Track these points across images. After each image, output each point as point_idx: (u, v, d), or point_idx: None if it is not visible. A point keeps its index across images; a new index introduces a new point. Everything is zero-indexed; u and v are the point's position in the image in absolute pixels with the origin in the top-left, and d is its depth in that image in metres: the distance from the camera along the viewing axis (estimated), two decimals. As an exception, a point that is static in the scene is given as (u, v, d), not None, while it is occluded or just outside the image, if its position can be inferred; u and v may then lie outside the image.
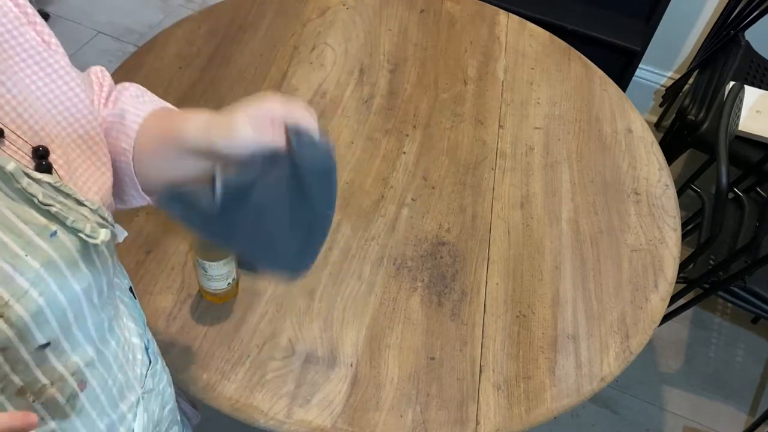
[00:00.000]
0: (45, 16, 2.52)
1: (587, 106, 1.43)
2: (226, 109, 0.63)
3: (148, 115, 0.68)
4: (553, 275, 1.14)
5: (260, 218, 0.64)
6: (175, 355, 0.96)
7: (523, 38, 1.56)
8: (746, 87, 1.84)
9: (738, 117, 1.74)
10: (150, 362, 0.74)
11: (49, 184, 0.51)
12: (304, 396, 0.95)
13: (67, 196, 0.53)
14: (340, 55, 1.44)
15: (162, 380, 0.78)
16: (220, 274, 0.96)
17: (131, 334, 0.70)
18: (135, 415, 0.69)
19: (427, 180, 1.24)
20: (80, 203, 0.54)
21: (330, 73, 1.40)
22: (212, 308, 1.02)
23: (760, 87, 2.00)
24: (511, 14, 1.62)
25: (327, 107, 1.33)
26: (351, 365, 0.99)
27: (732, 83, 1.65)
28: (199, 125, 0.63)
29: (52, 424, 0.57)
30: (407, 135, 1.31)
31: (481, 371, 1.01)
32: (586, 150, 1.35)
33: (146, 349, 0.74)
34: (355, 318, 1.04)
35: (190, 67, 1.36)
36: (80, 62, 2.41)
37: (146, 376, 0.72)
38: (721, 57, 2.05)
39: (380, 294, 1.07)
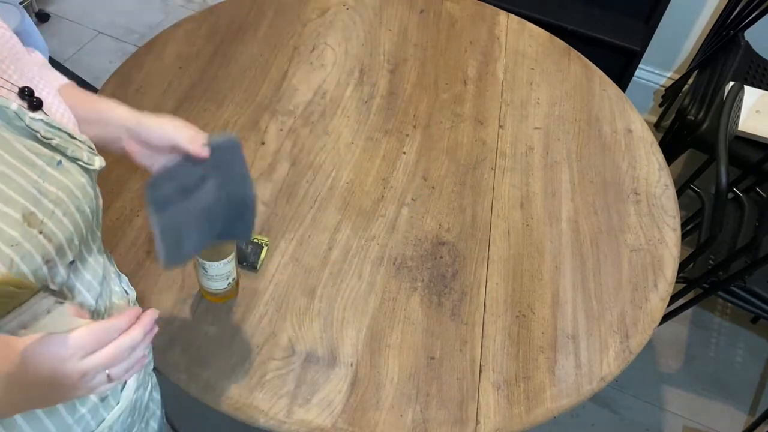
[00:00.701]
0: (45, 16, 2.53)
1: (587, 106, 1.44)
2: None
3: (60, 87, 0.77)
4: (553, 275, 1.14)
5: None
6: (175, 355, 0.97)
7: (522, 38, 1.56)
8: (746, 87, 1.84)
9: (738, 117, 1.74)
10: (128, 293, 0.82)
11: (43, 120, 0.59)
12: (304, 396, 0.95)
13: (59, 130, 0.60)
14: (340, 55, 1.45)
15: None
16: (220, 274, 0.96)
17: (108, 265, 0.76)
18: None
19: (427, 180, 1.25)
20: (71, 136, 0.61)
21: (330, 74, 1.40)
22: (212, 308, 1.02)
23: (759, 87, 2.00)
24: (510, 14, 1.62)
25: (327, 107, 1.34)
26: (351, 365, 0.99)
27: (732, 83, 1.65)
28: (127, 111, 0.77)
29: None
30: (407, 135, 1.32)
31: (481, 371, 1.01)
32: (586, 150, 1.35)
33: (121, 281, 0.82)
34: (355, 318, 1.04)
35: (190, 68, 1.36)
36: (81, 62, 2.41)
37: (130, 305, 0.80)
38: (721, 57, 2.05)
39: (380, 294, 1.07)
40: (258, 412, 0.93)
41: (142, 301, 1.02)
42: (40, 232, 0.55)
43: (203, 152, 0.76)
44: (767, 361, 1.98)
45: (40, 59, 0.79)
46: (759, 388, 1.92)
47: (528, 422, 0.97)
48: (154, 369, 0.95)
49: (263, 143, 1.25)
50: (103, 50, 2.48)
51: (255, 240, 1.08)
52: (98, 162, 0.63)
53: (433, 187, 1.23)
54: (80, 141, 0.63)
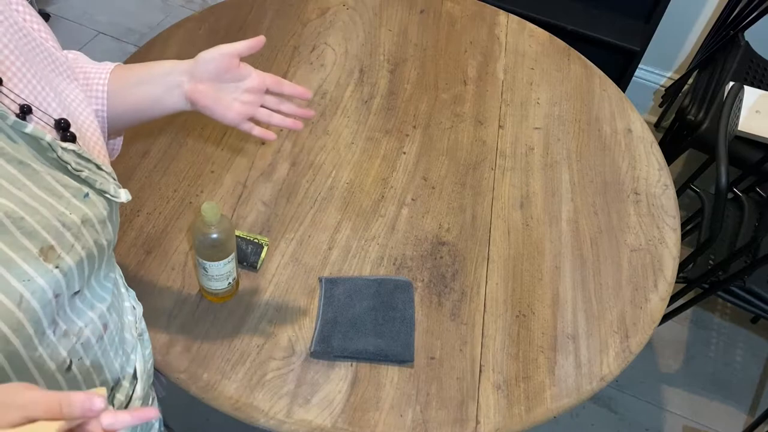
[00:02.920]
0: (45, 16, 2.52)
1: (587, 106, 1.44)
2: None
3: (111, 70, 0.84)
4: (553, 275, 1.14)
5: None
6: (175, 355, 0.97)
7: (522, 38, 1.56)
8: (746, 87, 1.84)
9: (737, 117, 1.74)
10: (135, 308, 0.79)
11: (74, 152, 0.60)
12: (304, 396, 0.95)
13: (89, 161, 0.62)
14: (340, 55, 1.45)
15: (145, 331, 0.82)
16: (221, 274, 0.96)
17: (119, 283, 0.76)
18: (135, 357, 0.76)
19: (427, 180, 1.25)
20: (99, 168, 0.63)
21: (330, 74, 1.40)
22: (212, 308, 1.02)
23: (759, 87, 2.00)
24: (511, 14, 1.62)
25: (327, 107, 1.34)
26: (351, 365, 0.99)
27: (731, 83, 1.65)
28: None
29: (87, 363, 0.64)
30: (407, 135, 1.32)
31: (481, 371, 1.01)
32: (585, 150, 1.35)
33: (129, 296, 0.80)
34: (355, 318, 1.04)
35: (190, 68, 1.36)
36: (80, 62, 2.40)
37: (137, 321, 0.78)
38: (721, 57, 2.05)
39: (380, 294, 1.07)
40: (258, 412, 0.93)
41: (143, 302, 1.02)
42: (56, 267, 0.55)
43: (260, 43, 0.84)
44: (767, 361, 1.98)
45: (80, 60, 0.83)
46: (759, 388, 1.92)
47: (528, 422, 0.97)
48: (156, 371, 0.95)
49: (263, 143, 1.25)
50: (103, 50, 2.48)
51: (255, 240, 1.08)
52: (123, 195, 0.64)
53: (433, 187, 1.23)
54: (107, 173, 0.64)
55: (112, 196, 0.63)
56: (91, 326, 0.63)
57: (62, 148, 0.58)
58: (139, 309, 0.81)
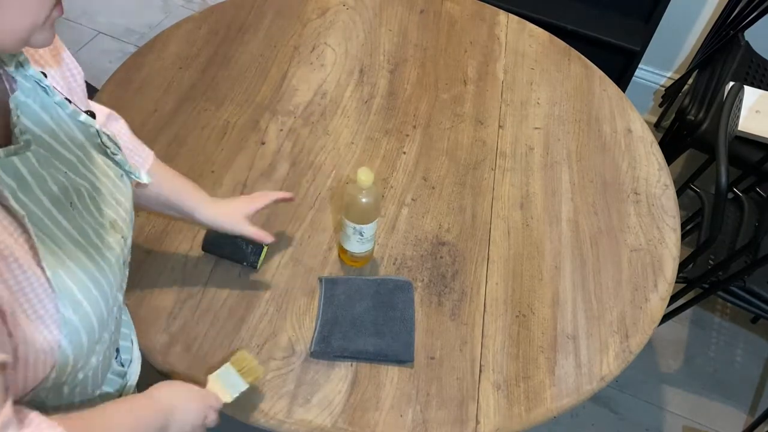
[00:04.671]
0: (45, 16, 2.52)
1: (587, 106, 1.44)
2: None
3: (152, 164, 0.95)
4: (553, 275, 1.14)
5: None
6: (175, 355, 0.97)
7: (523, 38, 1.56)
8: (746, 87, 1.84)
9: (737, 117, 1.74)
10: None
11: (109, 137, 0.68)
12: (305, 396, 0.95)
13: (117, 146, 0.69)
14: (341, 55, 1.45)
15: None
16: (372, 234, 1.04)
17: None
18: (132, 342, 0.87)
19: (427, 180, 1.25)
20: (122, 151, 0.71)
21: (330, 74, 1.40)
22: (212, 308, 1.02)
23: (759, 87, 2.00)
24: (511, 14, 1.62)
25: (327, 107, 1.34)
26: (351, 365, 0.99)
27: (731, 83, 1.65)
28: (209, 213, 0.97)
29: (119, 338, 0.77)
30: (407, 135, 1.32)
31: (480, 371, 1.01)
32: (585, 150, 1.35)
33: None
34: (355, 318, 1.04)
35: (190, 68, 1.36)
36: (81, 62, 2.40)
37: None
38: (721, 57, 2.05)
39: (380, 294, 1.07)
40: (258, 412, 0.93)
41: (143, 301, 1.02)
42: (122, 237, 0.66)
43: (268, 239, 1.01)
44: (767, 361, 1.98)
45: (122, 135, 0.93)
46: (759, 388, 1.92)
47: (528, 422, 0.97)
48: (159, 373, 0.95)
49: (263, 143, 1.25)
50: (103, 50, 2.48)
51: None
52: (146, 177, 0.73)
53: (433, 187, 1.23)
54: (125, 158, 0.72)
55: (138, 177, 0.72)
56: (123, 299, 0.75)
57: (105, 135, 0.66)
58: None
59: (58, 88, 0.64)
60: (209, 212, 0.97)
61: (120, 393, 0.79)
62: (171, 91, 1.31)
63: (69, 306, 0.57)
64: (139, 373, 0.86)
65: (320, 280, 1.07)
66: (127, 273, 0.71)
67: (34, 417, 0.55)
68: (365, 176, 0.94)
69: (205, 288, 1.05)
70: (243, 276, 1.07)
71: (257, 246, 1.07)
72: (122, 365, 0.80)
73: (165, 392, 0.75)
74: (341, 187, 1.21)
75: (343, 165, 1.24)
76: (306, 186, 1.20)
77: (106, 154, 0.67)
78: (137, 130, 1.24)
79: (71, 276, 0.58)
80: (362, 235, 1.02)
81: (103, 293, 0.61)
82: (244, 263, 1.07)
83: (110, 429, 0.65)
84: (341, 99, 1.36)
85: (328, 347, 0.98)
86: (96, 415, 0.65)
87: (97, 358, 0.67)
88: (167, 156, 1.20)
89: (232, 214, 0.99)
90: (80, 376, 0.65)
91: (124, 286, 0.72)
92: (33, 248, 0.55)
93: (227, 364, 0.89)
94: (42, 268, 0.55)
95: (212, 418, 0.80)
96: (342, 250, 1.08)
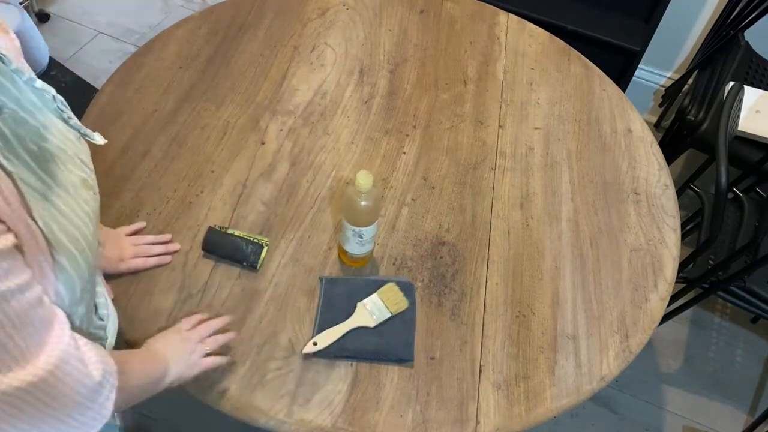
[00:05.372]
0: (46, 16, 2.52)
1: (587, 106, 1.44)
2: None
3: None
4: (553, 275, 1.14)
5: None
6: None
7: (523, 38, 1.56)
8: (746, 87, 1.84)
9: (737, 117, 1.74)
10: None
11: (63, 102, 0.70)
12: (305, 396, 0.95)
13: (71, 110, 0.71)
14: (340, 55, 1.45)
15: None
16: (372, 236, 1.04)
17: None
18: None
19: (427, 180, 1.25)
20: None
21: (330, 74, 1.40)
22: (212, 308, 1.02)
23: (759, 87, 2.00)
24: (511, 14, 1.62)
25: (327, 107, 1.34)
26: (351, 365, 0.99)
27: (731, 83, 1.65)
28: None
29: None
30: (407, 135, 1.32)
31: (481, 371, 1.01)
32: (585, 150, 1.35)
33: None
34: (355, 318, 1.04)
35: (190, 68, 1.36)
36: (81, 62, 2.41)
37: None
38: (721, 57, 2.05)
39: (380, 294, 1.07)
40: (258, 412, 0.93)
41: (143, 301, 1.02)
42: (95, 193, 0.70)
43: (167, 260, 1.07)
44: (767, 361, 1.98)
45: None
46: (759, 388, 1.92)
47: (528, 422, 0.97)
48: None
49: (263, 143, 1.25)
50: (103, 50, 2.48)
51: (255, 240, 1.08)
52: (99, 138, 0.74)
53: (433, 187, 1.23)
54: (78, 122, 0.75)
55: (93, 139, 0.73)
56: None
57: (60, 99, 0.69)
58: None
59: (10, 56, 0.66)
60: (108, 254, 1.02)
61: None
62: (171, 91, 1.31)
63: (63, 255, 0.62)
64: (115, 334, 0.90)
65: (320, 280, 1.07)
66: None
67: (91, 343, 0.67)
68: (364, 180, 0.94)
69: (205, 288, 1.05)
70: (243, 276, 1.07)
71: (257, 246, 1.07)
72: (101, 319, 0.85)
73: (161, 345, 0.89)
74: (341, 187, 1.21)
75: (343, 165, 1.24)
76: (306, 186, 1.20)
77: (62, 119, 0.70)
78: (137, 130, 1.24)
79: (60, 227, 0.63)
80: (362, 238, 1.02)
81: (89, 242, 0.67)
82: (244, 263, 1.07)
83: (128, 360, 0.79)
84: (341, 99, 1.36)
85: (328, 347, 0.98)
86: (115, 352, 0.77)
87: (83, 307, 0.73)
88: (167, 156, 1.21)
89: (110, 258, 1.02)
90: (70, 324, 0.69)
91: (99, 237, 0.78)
92: (25, 204, 0.59)
93: (375, 294, 1.04)
94: (35, 221, 0.59)
95: (200, 351, 0.91)
96: (342, 251, 1.08)
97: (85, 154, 0.73)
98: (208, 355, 0.92)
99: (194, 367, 0.90)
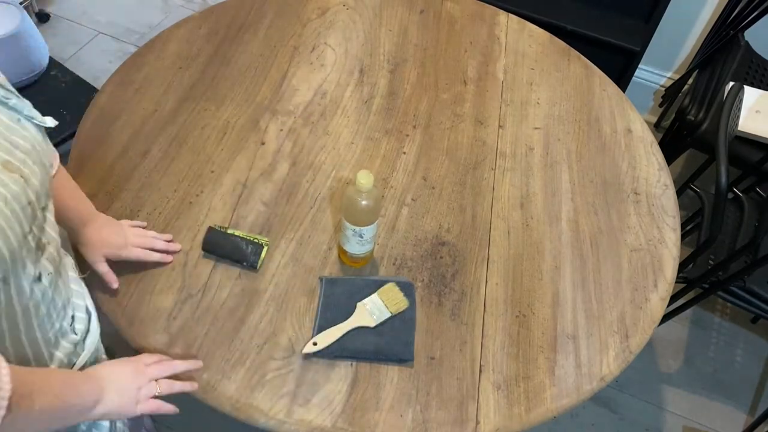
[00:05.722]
0: (45, 16, 2.52)
1: (587, 106, 1.44)
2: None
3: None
4: (553, 275, 1.14)
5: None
6: (176, 355, 0.97)
7: (522, 38, 1.56)
8: (746, 87, 1.84)
9: (737, 117, 1.74)
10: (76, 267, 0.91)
11: (1, 85, 0.67)
12: (305, 396, 0.95)
13: (10, 92, 0.68)
14: (341, 55, 1.45)
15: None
16: (372, 236, 1.04)
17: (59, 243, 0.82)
18: (84, 295, 0.89)
19: (427, 180, 1.25)
20: (21, 98, 0.70)
21: (330, 74, 1.40)
22: (212, 308, 1.02)
23: (759, 87, 2.00)
24: (511, 14, 1.62)
25: (327, 107, 1.34)
26: (351, 365, 0.99)
27: (731, 83, 1.65)
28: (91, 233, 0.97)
29: (52, 279, 0.75)
30: (407, 135, 1.32)
31: (480, 371, 1.01)
32: (585, 150, 1.35)
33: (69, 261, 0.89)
34: (355, 318, 1.04)
35: (190, 68, 1.36)
36: (81, 62, 2.41)
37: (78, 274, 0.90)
38: (721, 57, 2.05)
39: (380, 294, 1.07)
40: (258, 412, 0.93)
41: (143, 301, 1.02)
42: (21, 176, 0.65)
43: (114, 284, 1.01)
44: (767, 361, 1.98)
45: None
46: (759, 388, 1.92)
47: (528, 422, 0.97)
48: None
49: (263, 143, 1.25)
50: (103, 50, 2.48)
51: (255, 240, 1.08)
52: (50, 121, 0.71)
53: (433, 187, 1.23)
54: (28, 102, 0.71)
55: (40, 122, 0.70)
56: (53, 245, 0.75)
57: None
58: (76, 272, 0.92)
59: None
60: (88, 238, 0.97)
61: (72, 364, 0.83)
62: (171, 91, 1.31)
63: None
64: (97, 349, 0.89)
65: (320, 280, 1.07)
66: (48, 217, 0.73)
67: None
68: (365, 179, 0.94)
69: (205, 288, 1.05)
70: (243, 276, 1.07)
71: (257, 246, 1.07)
72: (75, 333, 0.83)
73: (107, 371, 0.82)
74: (341, 187, 1.21)
75: (343, 165, 1.24)
76: (306, 186, 1.20)
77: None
78: (137, 130, 1.24)
79: None
80: (362, 237, 1.02)
81: (9, 222, 0.62)
82: (244, 263, 1.07)
83: (46, 381, 0.71)
84: (341, 99, 1.36)
85: (328, 347, 0.98)
86: (36, 370, 0.72)
87: (29, 285, 0.69)
88: (167, 155, 1.21)
89: (102, 244, 0.99)
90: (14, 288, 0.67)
91: (49, 232, 0.73)
92: None
93: (375, 294, 1.03)
94: None
95: (150, 390, 0.85)
96: (342, 251, 1.08)
97: (22, 137, 0.67)
98: (158, 397, 0.86)
99: (139, 404, 0.84)
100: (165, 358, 0.91)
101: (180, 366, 0.91)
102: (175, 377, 0.90)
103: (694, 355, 1.96)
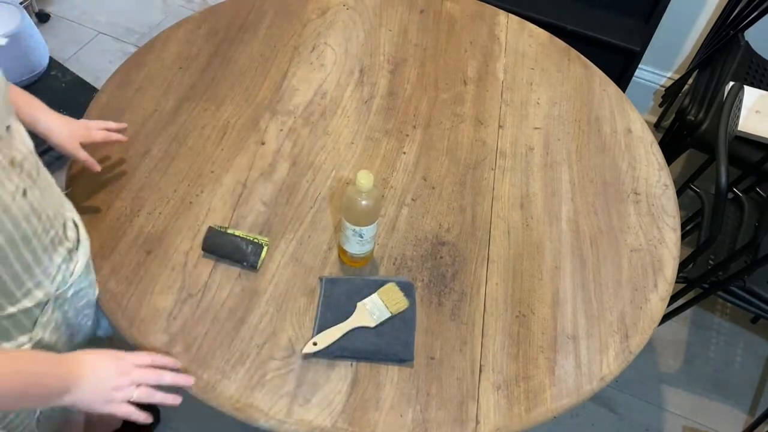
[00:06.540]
0: (45, 16, 2.52)
1: (587, 106, 1.44)
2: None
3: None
4: (553, 275, 1.14)
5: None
6: (175, 355, 0.97)
7: (522, 38, 1.56)
8: (746, 87, 1.84)
9: (737, 117, 1.74)
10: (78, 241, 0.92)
11: None
12: (304, 396, 0.95)
13: None
14: (341, 55, 1.45)
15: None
16: (372, 235, 1.04)
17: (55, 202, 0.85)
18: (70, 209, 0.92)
19: (427, 180, 1.25)
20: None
21: (330, 74, 1.40)
22: (212, 308, 1.02)
23: (759, 87, 2.00)
24: (510, 14, 1.62)
25: (327, 107, 1.34)
26: (351, 365, 0.99)
27: (731, 83, 1.65)
28: (53, 126, 1.01)
29: (36, 193, 0.78)
30: (407, 135, 1.32)
31: (480, 371, 1.01)
32: (585, 150, 1.35)
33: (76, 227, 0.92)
34: (355, 318, 1.04)
35: (190, 68, 1.36)
36: (81, 62, 2.41)
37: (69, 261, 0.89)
38: (721, 57, 2.05)
39: (380, 294, 1.07)
40: (258, 412, 0.93)
41: (143, 301, 1.02)
42: None
43: (96, 167, 1.07)
44: (767, 361, 1.99)
45: None
46: (759, 388, 1.92)
47: (528, 422, 0.97)
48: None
49: (263, 143, 1.25)
50: (103, 50, 2.48)
51: (255, 240, 1.08)
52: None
53: (433, 187, 1.23)
54: None
55: None
56: (29, 160, 0.77)
57: None
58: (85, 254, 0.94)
59: None
60: (54, 125, 1.02)
61: (71, 272, 0.88)
62: (171, 91, 1.31)
63: None
64: (88, 265, 0.94)
65: (320, 280, 1.07)
66: (14, 135, 0.75)
67: None
68: (365, 179, 0.94)
69: (205, 288, 1.05)
70: (243, 276, 1.07)
71: (257, 246, 1.08)
72: (68, 240, 0.87)
73: (90, 360, 0.81)
74: (341, 187, 1.21)
75: (343, 165, 1.24)
76: (306, 186, 1.20)
77: None
78: (137, 130, 1.24)
79: None
80: (362, 237, 1.02)
81: None
82: (244, 263, 1.07)
83: (7, 364, 0.70)
84: (341, 99, 1.36)
85: (328, 347, 0.98)
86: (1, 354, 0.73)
87: (12, 201, 0.72)
88: (167, 156, 1.21)
89: (73, 136, 1.04)
90: None
91: (25, 150, 0.77)
92: None
93: (374, 294, 1.04)
94: None
95: (126, 394, 0.83)
96: (342, 251, 1.08)
97: None
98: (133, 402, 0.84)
99: (110, 404, 0.81)
100: (157, 361, 0.89)
101: (168, 378, 0.88)
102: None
103: (694, 355, 1.96)
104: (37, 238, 0.78)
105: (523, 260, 1.15)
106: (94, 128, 1.09)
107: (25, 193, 0.74)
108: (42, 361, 0.76)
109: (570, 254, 1.17)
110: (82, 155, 1.05)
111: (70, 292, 0.89)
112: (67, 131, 1.03)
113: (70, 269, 0.88)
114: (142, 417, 0.85)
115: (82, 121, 1.09)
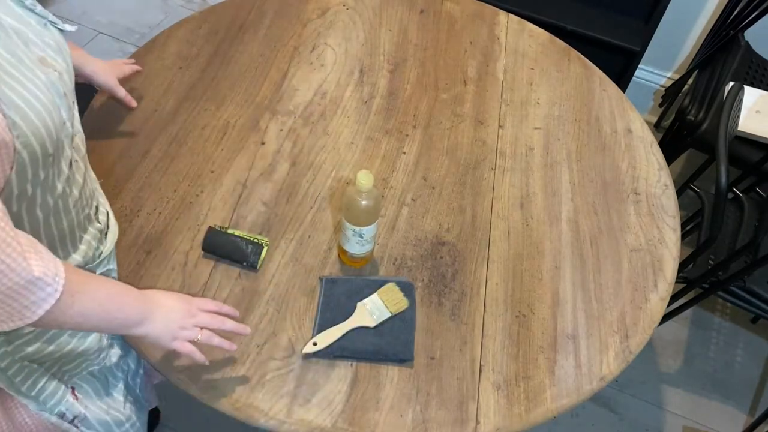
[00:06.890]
0: (45, 16, 2.52)
1: (587, 106, 1.44)
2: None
3: None
4: (553, 275, 1.14)
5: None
6: (175, 355, 0.97)
7: (522, 38, 1.56)
8: (746, 87, 1.84)
9: (737, 117, 1.74)
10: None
11: None
12: (304, 396, 0.95)
13: (35, 1, 0.75)
14: (341, 55, 1.45)
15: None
16: (372, 236, 1.04)
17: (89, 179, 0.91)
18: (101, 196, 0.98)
19: (427, 180, 1.25)
20: (43, 8, 0.76)
21: (330, 74, 1.40)
22: (212, 308, 1.02)
23: (759, 87, 2.00)
24: (510, 14, 1.62)
25: (327, 107, 1.34)
26: (351, 365, 0.99)
27: (731, 83, 1.65)
28: (96, 68, 1.17)
29: (81, 165, 0.84)
30: (407, 135, 1.32)
31: (480, 371, 1.01)
32: (585, 150, 1.35)
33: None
34: (355, 318, 1.04)
35: (190, 68, 1.36)
36: (80, 62, 2.40)
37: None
38: (721, 57, 2.05)
39: (380, 294, 1.07)
40: (258, 412, 0.93)
41: (142, 301, 1.02)
42: (55, 70, 0.71)
43: (133, 103, 1.23)
44: (767, 361, 1.98)
45: None
46: (759, 388, 1.92)
47: (528, 422, 0.97)
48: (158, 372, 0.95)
49: (263, 143, 1.25)
50: (103, 50, 2.48)
51: (255, 240, 1.08)
52: (69, 26, 0.78)
53: (433, 187, 1.23)
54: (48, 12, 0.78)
55: (62, 27, 0.77)
56: (79, 137, 0.83)
57: None
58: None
59: None
60: (97, 67, 1.17)
61: (100, 253, 0.92)
62: (171, 91, 1.31)
63: (14, 112, 0.64)
64: (114, 244, 0.97)
65: (320, 280, 1.07)
66: (75, 113, 0.81)
67: (42, 248, 0.69)
68: (365, 179, 0.94)
69: (205, 288, 1.05)
70: (243, 276, 1.07)
71: (257, 246, 1.08)
72: (99, 222, 0.92)
73: (161, 299, 0.86)
74: (341, 187, 1.21)
75: (343, 165, 1.24)
76: (306, 186, 1.20)
77: (24, 6, 0.73)
78: (137, 130, 1.24)
79: (11, 90, 0.65)
80: (362, 237, 1.02)
81: (46, 109, 0.68)
82: (244, 263, 1.07)
83: (94, 289, 0.76)
84: (341, 99, 1.36)
85: (328, 347, 0.98)
86: (91, 277, 0.78)
87: (66, 167, 0.77)
88: (167, 156, 1.21)
89: (113, 74, 1.19)
90: (40, 189, 0.74)
91: (76, 125, 0.82)
92: None
93: (374, 294, 1.04)
94: None
95: (190, 334, 0.87)
96: (342, 251, 1.08)
97: (53, 38, 0.75)
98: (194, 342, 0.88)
99: (174, 341, 0.86)
100: (222, 309, 0.92)
101: (229, 325, 0.91)
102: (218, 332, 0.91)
103: (694, 355, 1.96)
104: (75, 209, 0.83)
105: (523, 260, 1.15)
106: (120, 64, 1.22)
107: (71, 165, 0.79)
108: (127, 292, 0.82)
109: (570, 254, 1.17)
110: (122, 92, 1.19)
111: (97, 271, 0.93)
112: (108, 71, 1.17)
113: (99, 249, 0.92)
114: (202, 358, 0.89)
115: (111, 60, 1.22)
